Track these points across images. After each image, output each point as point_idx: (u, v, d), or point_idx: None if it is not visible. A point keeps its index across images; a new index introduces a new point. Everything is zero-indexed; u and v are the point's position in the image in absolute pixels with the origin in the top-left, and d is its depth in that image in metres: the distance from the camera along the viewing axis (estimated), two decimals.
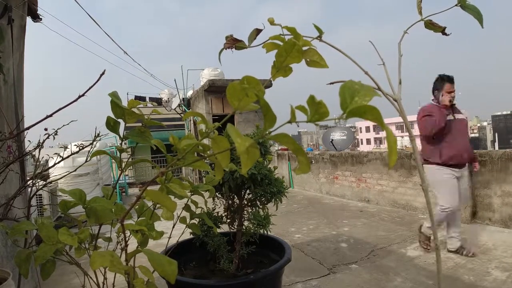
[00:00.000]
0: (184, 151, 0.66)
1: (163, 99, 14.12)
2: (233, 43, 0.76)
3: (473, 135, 64.45)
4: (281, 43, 0.59)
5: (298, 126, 0.52)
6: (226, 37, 0.77)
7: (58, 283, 3.27)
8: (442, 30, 0.81)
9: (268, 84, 10.35)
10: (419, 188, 5.42)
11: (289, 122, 0.50)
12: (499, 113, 64.98)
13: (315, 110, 0.48)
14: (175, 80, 19.31)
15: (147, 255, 0.74)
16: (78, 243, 1.03)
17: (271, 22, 0.63)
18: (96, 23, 5.99)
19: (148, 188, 0.75)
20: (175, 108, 12.63)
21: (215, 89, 10.13)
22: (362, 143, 66.29)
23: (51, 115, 1.12)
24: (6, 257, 2.31)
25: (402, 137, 49.78)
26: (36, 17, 3.32)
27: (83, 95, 1.05)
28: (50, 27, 4.97)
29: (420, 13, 0.78)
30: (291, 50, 0.56)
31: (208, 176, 1.73)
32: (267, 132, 0.51)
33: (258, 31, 0.73)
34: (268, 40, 0.64)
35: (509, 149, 4.44)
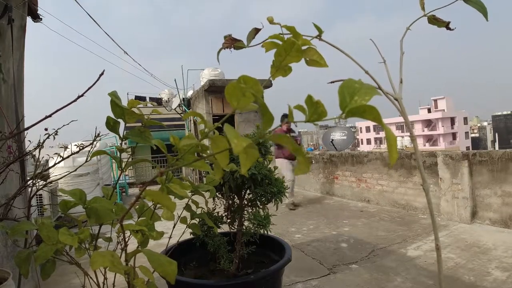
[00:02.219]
0: (184, 151, 0.66)
1: (163, 99, 14.12)
2: (231, 42, 0.75)
3: (473, 135, 64.33)
4: (280, 42, 0.59)
5: (296, 126, 0.52)
6: (225, 37, 0.76)
7: (58, 283, 3.27)
8: (446, 25, 0.80)
9: (268, 84, 10.35)
10: (420, 188, 5.42)
11: (287, 122, 0.49)
12: (499, 113, 64.89)
13: (313, 110, 0.48)
14: (175, 80, 19.29)
15: (147, 255, 0.74)
16: (78, 243, 1.03)
17: (271, 21, 0.62)
18: (96, 23, 5.99)
19: (148, 188, 0.75)
20: (175, 108, 12.63)
21: (215, 89, 10.13)
22: (362, 143, 66.22)
23: (50, 116, 1.13)
24: (6, 257, 2.31)
25: (403, 137, 49.76)
26: (36, 17, 3.32)
27: (82, 95, 1.05)
28: (48, 26, 4.97)
29: (423, 8, 0.77)
30: (290, 49, 0.56)
31: (209, 176, 1.73)
32: (266, 133, 0.51)
33: (256, 31, 0.73)
34: (267, 39, 0.63)
35: (509, 149, 4.43)
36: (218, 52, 0.77)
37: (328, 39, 0.68)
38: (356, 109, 0.47)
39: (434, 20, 0.79)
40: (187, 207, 1.63)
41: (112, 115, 0.99)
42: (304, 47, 0.60)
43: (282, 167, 6.25)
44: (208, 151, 0.68)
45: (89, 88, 1.04)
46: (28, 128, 1.22)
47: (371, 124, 62.38)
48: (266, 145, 2.46)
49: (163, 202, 0.69)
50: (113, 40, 7.35)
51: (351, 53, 0.67)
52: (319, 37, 0.63)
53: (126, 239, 0.99)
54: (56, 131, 1.57)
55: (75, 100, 1.07)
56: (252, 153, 0.48)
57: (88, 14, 5.61)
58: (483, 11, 0.74)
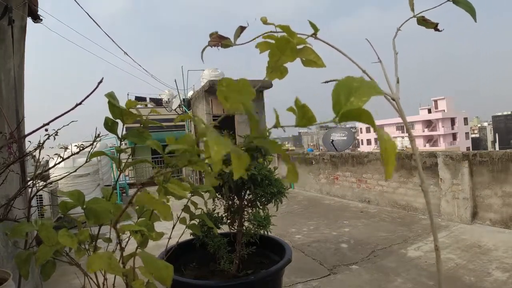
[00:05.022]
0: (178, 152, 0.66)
1: (163, 100, 14.12)
2: (218, 40, 0.73)
3: (473, 135, 64.26)
4: (273, 42, 0.58)
5: (284, 131, 0.52)
6: (211, 34, 0.74)
7: (58, 283, 3.27)
8: (435, 27, 0.80)
9: (268, 85, 10.35)
10: (420, 189, 5.41)
11: (275, 127, 0.48)
12: (499, 114, 64.78)
13: (302, 114, 0.46)
14: (175, 81, 19.33)
15: (143, 259, 0.73)
16: (77, 244, 1.03)
17: (264, 22, 0.62)
18: (97, 24, 6.00)
19: (148, 188, 0.75)
20: (175, 109, 12.64)
21: (216, 90, 10.12)
22: (362, 144, 66.17)
23: (47, 124, 1.13)
24: (7, 258, 2.31)
25: (403, 137, 49.71)
26: (36, 18, 3.33)
27: (80, 103, 1.05)
28: (48, 27, 4.98)
29: (412, 9, 0.77)
30: (284, 49, 0.55)
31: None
32: (260, 137, 0.50)
33: (242, 29, 0.71)
34: (259, 36, 0.62)
35: (510, 149, 4.43)
36: (203, 50, 0.75)
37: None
38: (350, 112, 0.43)
39: (423, 21, 0.79)
40: (186, 209, 1.63)
41: (110, 116, 0.99)
42: (299, 46, 0.59)
43: None
44: (202, 155, 0.67)
45: (87, 96, 1.04)
46: (27, 135, 1.22)
47: None
48: None
49: (155, 206, 0.68)
50: (114, 41, 7.36)
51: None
52: (314, 35, 0.62)
53: (126, 240, 0.99)
54: (57, 132, 1.57)
55: (73, 108, 1.07)
56: (242, 159, 0.45)
57: (89, 16, 5.62)
58: (472, 12, 0.74)
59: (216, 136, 0.44)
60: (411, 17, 0.77)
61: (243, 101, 0.47)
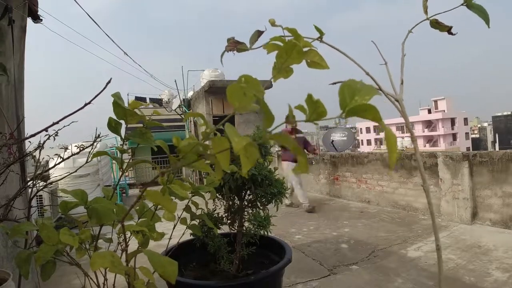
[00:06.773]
0: (185, 151, 0.66)
1: (163, 100, 14.12)
2: (234, 45, 0.76)
3: (473, 136, 64.28)
4: (281, 44, 0.59)
5: (296, 126, 0.52)
6: (228, 40, 0.76)
7: (58, 284, 3.27)
8: (448, 30, 0.81)
9: (268, 85, 10.36)
10: (420, 189, 5.42)
11: (287, 121, 0.49)
12: (499, 114, 64.81)
13: (313, 109, 0.48)
14: (175, 81, 19.34)
15: (148, 255, 0.74)
16: (78, 243, 1.04)
17: (272, 23, 0.63)
18: (97, 24, 6.00)
19: (149, 189, 0.75)
20: (175, 109, 12.65)
21: (216, 90, 10.13)
22: (362, 144, 66.22)
23: (57, 122, 1.13)
24: (7, 258, 2.31)
25: (403, 138, 49.78)
26: (36, 18, 3.33)
27: (89, 103, 1.06)
28: (47, 27, 4.98)
29: (426, 12, 0.77)
30: (291, 51, 0.56)
31: (209, 178, 1.73)
32: (266, 133, 0.51)
33: (259, 33, 0.73)
34: (269, 41, 0.63)
35: (510, 149, 4.43)
36: (222, 55, 0.78)
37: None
38: (356, 108, 0.47)
39: (436, 24, 0.80)
40: (187, 209, 1.63)
41: (113, 116, 0.99)
42: (305, 49, 0.60)
43: (289, 170, 6.14)
44: (209, 151, 0.68)
45: (96, 96, 1.04)
46: (31, 137, 1.22)
47: (371, 125, 62.47)
48: (266, 146, 2.46)
49: (164, 203, 0.69)
50: (114, 42, 7.36)
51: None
52: (320, 39, 0.63)
53: (127, 240, 0.99)
54: (57, 132, 1.57)
55: (82, 108, 1.07)
56: (252, 152, 0.48)
57: (90, 17, 5.62)
58: (485, 17, 0.74)
59: (234, 129, 0.48)
60: (424, 20, 0.78)
61: (257, 96, 0.49)
